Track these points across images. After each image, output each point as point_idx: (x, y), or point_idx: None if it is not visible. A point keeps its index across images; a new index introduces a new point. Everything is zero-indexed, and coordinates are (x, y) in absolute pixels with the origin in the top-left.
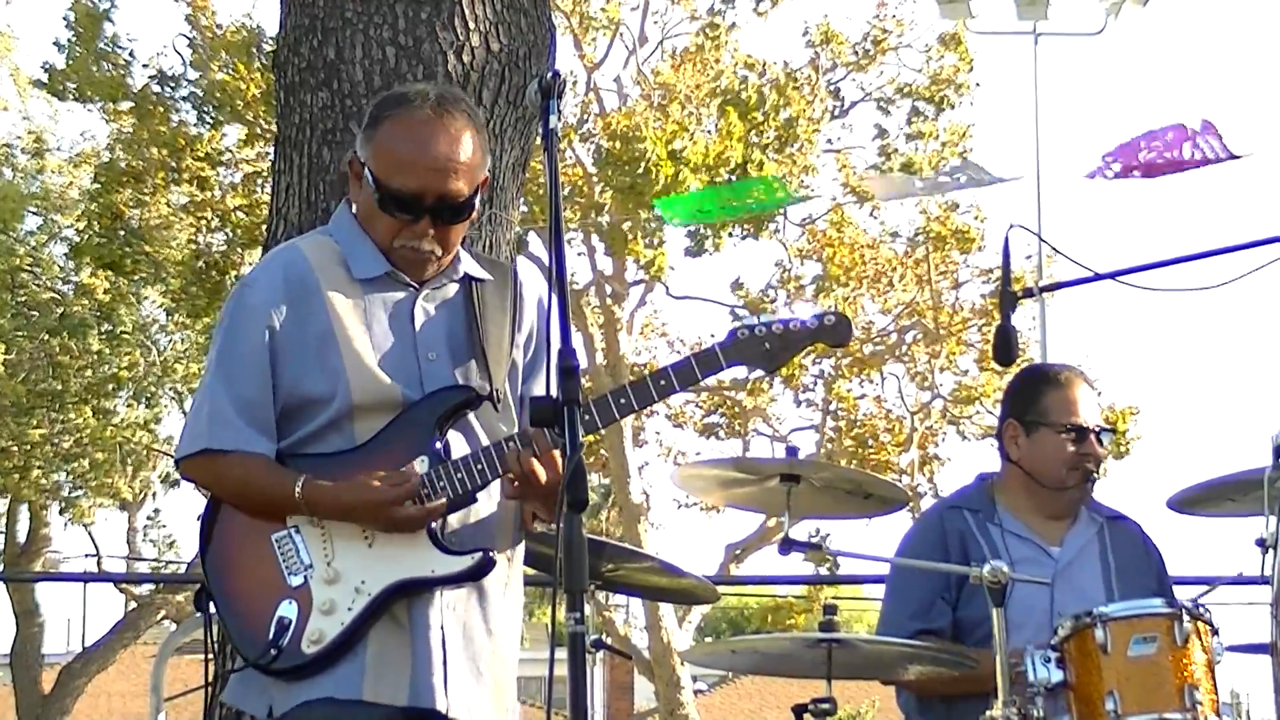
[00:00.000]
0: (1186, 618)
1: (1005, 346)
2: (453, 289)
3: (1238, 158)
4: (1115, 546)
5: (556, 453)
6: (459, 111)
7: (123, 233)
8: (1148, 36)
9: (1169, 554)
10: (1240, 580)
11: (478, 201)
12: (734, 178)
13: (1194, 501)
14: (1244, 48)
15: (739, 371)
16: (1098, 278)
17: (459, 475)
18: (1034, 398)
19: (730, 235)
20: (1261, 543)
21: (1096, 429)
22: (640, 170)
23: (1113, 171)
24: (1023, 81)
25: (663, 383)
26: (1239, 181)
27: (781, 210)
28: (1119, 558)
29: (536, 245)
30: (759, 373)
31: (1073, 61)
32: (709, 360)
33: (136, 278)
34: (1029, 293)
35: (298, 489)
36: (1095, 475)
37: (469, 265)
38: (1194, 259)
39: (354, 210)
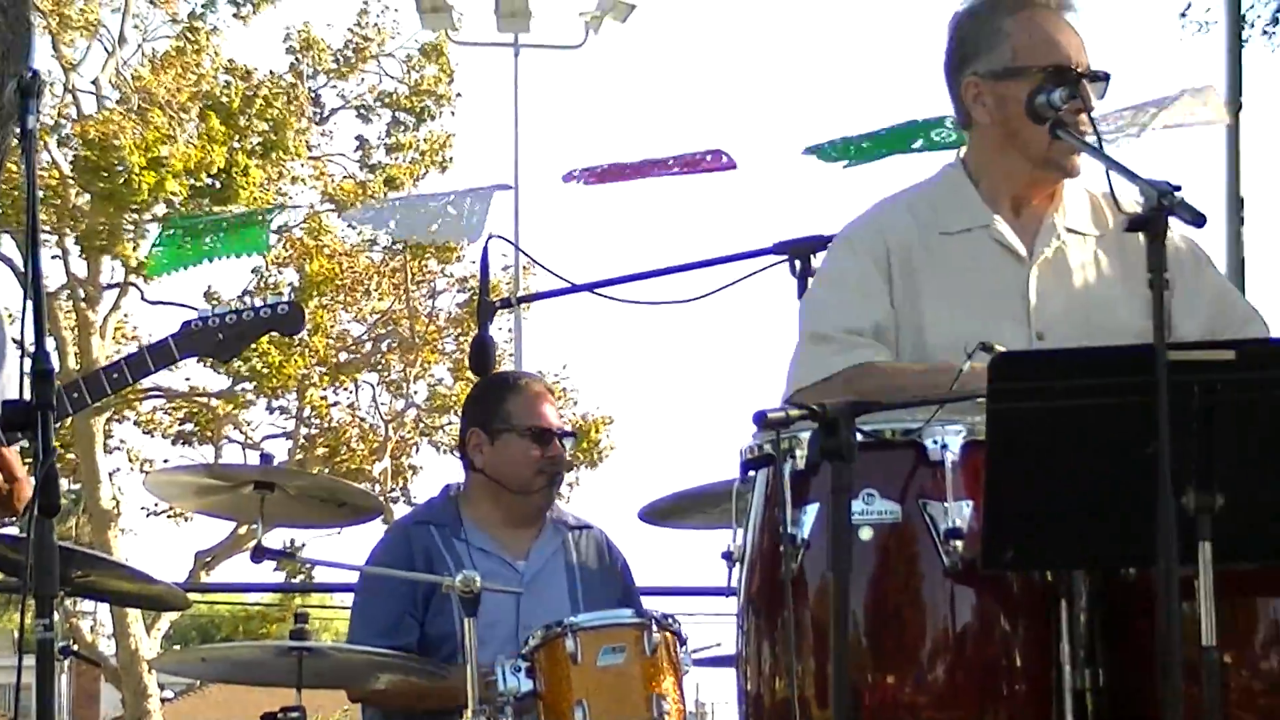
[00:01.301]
0: (655, 628)
1: (482, 356)
2: None
3: (726, 166)
4: (581, 557)
5: (8, 452)
6: None
7: None
8: (629, 50)
9: (644, 564)
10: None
11: None
12: (216, 183)
13: (665, 513)
14: (727, 63)
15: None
16: (575, 289)
17: None
18: (496, 404)
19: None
20: (728, 555)
21: (559, 432)
22: (120, 178)
23: (591, 176)
24: (505, 93)
25: (115, 375)
26: (718, 197)
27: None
28: (585, 569)
29: (10, 247)
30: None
31: (555, 73)
32: (162, 352)
33: None
34: (506, 303)
35: None
36: (561, 477)
37: None
38: (670, 272)
39: None
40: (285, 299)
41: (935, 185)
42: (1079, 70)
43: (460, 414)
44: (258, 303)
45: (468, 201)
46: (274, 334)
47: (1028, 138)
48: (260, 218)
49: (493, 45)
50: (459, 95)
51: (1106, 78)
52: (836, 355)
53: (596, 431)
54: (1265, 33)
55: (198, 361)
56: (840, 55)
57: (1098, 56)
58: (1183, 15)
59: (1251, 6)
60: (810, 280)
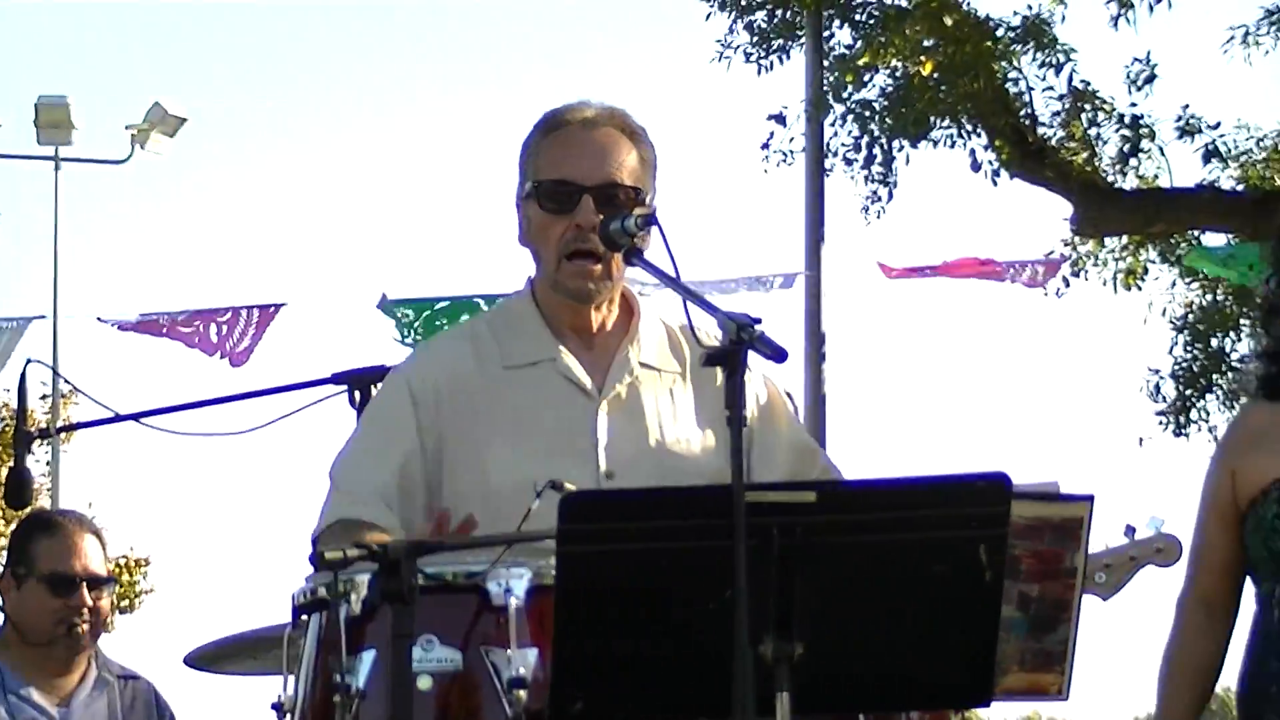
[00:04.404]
0: None
1: (18, 490)
2: None
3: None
4: (125, 707)
5: None
6: None
7: None
8: (178, 164)
9: (193, 713)
10: None
11: None
12: None
13: (212, 659)
14: (281, 183)
15: None
16: (119, 419)
17: None
18: (25, 547)
19: None
20: (278, 706)
21: (87, 578)
22: None
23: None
24: (46, 208)
25: None
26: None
27: None
28: (129, 719)
29: None
30: None
31: (100, 188)
32: None
33: None
34: (44, 433)
35: None
36: (94, 627)
37: None
38: (223, 401)
39: None
40: None
41: (502, 313)
42: (585, 186)
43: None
44: None
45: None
46: None
47: (544, 260)
48: None
49: (32, 158)
50: None
51: (623, 191)
52: (335, 506)
53: (131, 574)
54: (847, 160)
55: None
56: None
57: (674, 184)
58: (764, 147)
59: (835, 135)
60: None
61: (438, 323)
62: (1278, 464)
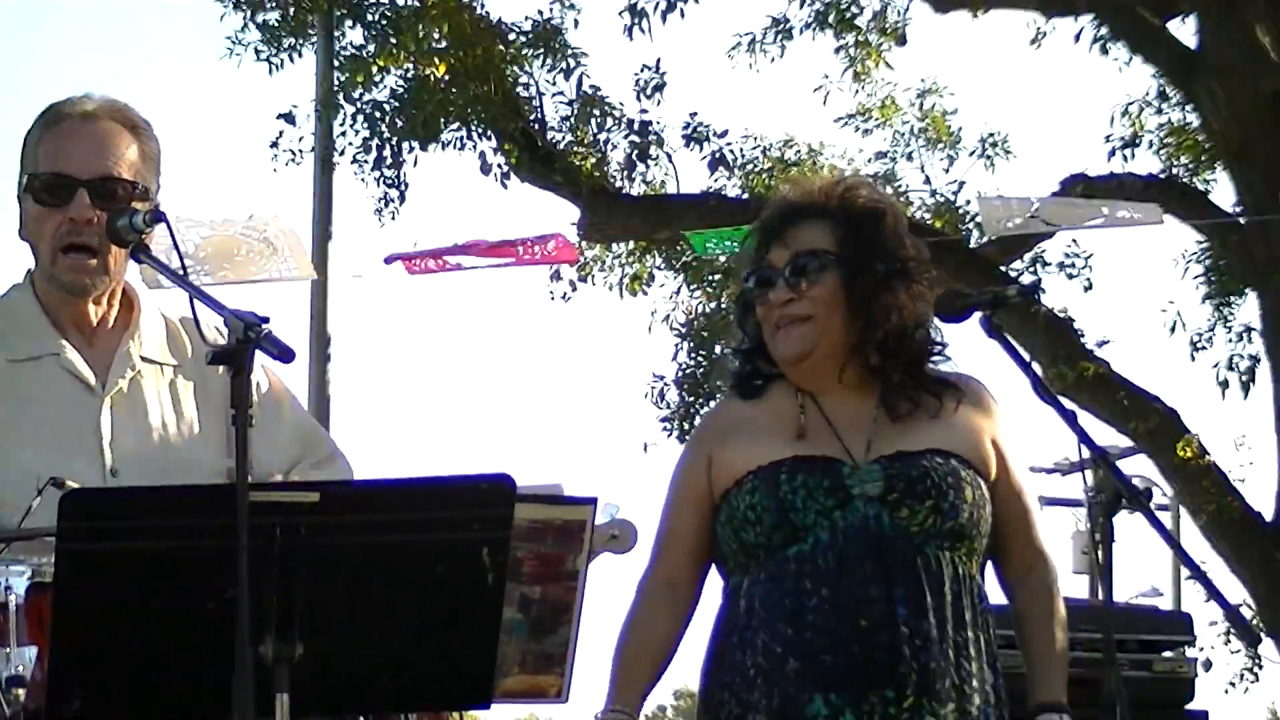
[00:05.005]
0: None
1: None
2: None
3: None
4: None
5: None
6: None
7: None
8: None
9: None
10: None
11: None
12: None
13: None
14: None
15: None
16: None
17: None
18: None
19: None
20: None
21: None
22: None
23: None
24: None
25: None
26: None
27: None
28: None
29: None
30: None
31: None
32: None
33: None
34: None
35: None
36: None
37: None
38: None
39: None
40: None
41: (2, 307)
42: (80, 179)
43: None
44: None
45: None
46: None
47: (40, 253)
48: None
49: None
50: None
51: (121, 185)
52: None
53: None
54: (356, 160)
55: None
56: None
57: (185, 180)
58: (273, 145)
59: (343, 133)
60: None
61: None
62: (754, 455)
